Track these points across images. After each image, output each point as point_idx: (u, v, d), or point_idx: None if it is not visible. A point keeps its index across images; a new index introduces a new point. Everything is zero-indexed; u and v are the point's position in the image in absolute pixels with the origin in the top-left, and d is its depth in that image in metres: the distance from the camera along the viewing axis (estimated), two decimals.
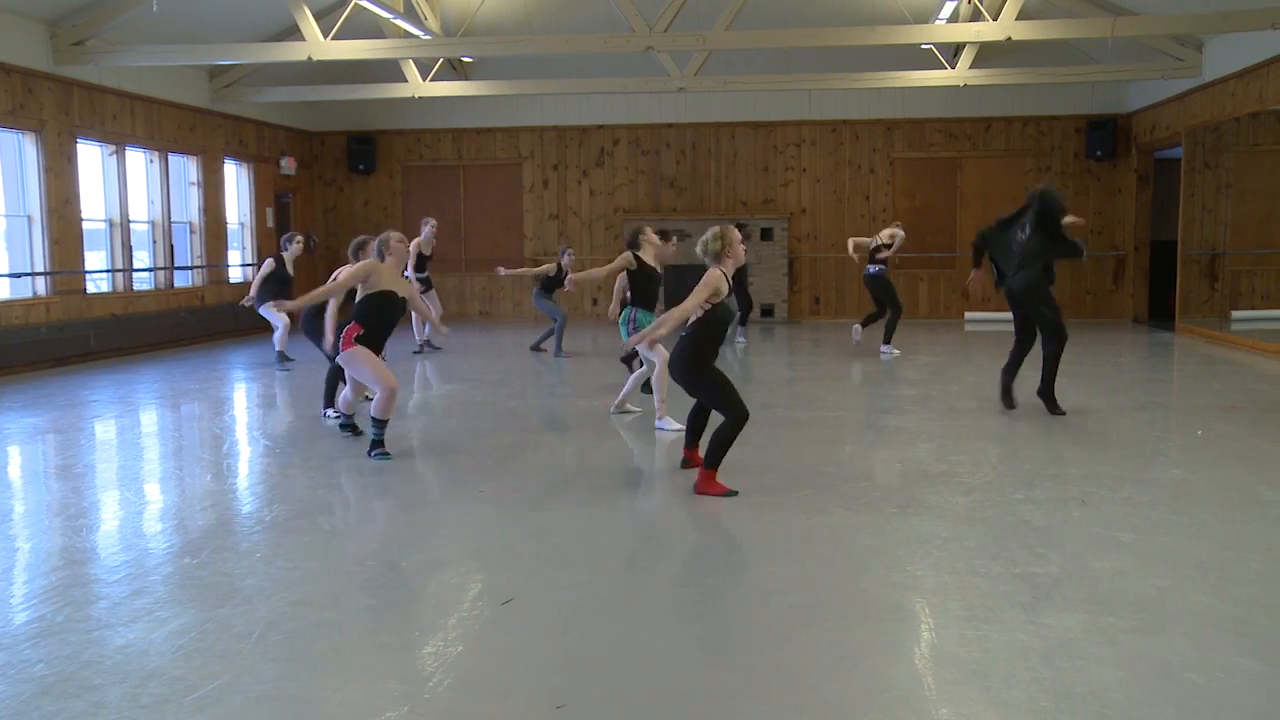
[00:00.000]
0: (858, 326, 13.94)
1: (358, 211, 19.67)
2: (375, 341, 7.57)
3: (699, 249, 6.37)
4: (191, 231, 16.14)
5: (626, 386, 9.18)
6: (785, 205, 18.80)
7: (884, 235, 13.32)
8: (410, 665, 3.92)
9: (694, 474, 6.57)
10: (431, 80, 16.83)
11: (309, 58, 13.23)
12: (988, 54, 16.17)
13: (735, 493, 6.25)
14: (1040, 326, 8.86)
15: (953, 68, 15.74)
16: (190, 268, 16.03)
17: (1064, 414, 8.83)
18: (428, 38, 14.32)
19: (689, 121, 18.89)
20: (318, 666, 3.89)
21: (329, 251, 19.14)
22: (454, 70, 18.05)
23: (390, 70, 17.07)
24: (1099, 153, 17.92)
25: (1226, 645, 3.95)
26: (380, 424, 7.47)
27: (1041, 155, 18.35)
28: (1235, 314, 15.35)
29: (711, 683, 3.72)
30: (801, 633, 4.17)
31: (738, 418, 6.22)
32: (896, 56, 16.52)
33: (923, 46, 15.88)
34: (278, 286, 12.35)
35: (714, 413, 6.53)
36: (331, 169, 19.80)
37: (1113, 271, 18.34)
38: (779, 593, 4.69)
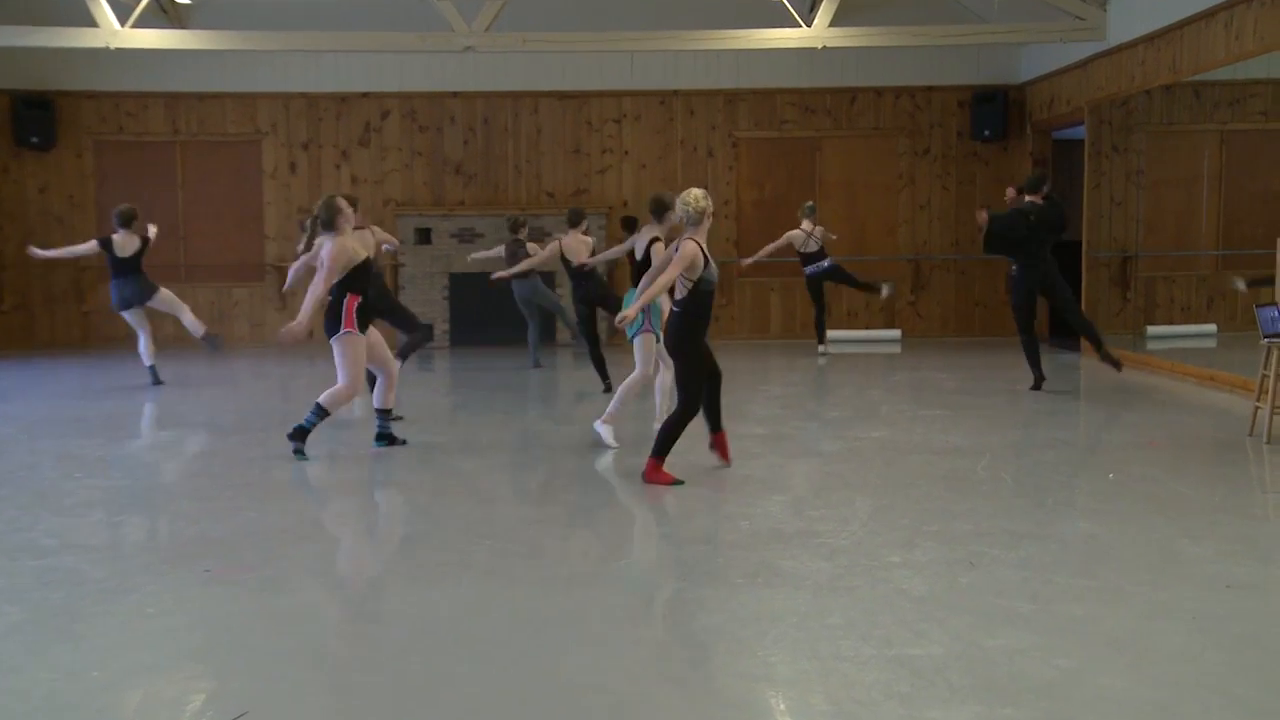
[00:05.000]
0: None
1: (31, 200, 18.75)
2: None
3: (680, 209, 8.15)
4: None
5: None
6: (603, 197, 18.93)
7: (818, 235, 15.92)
8: None
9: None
10: (133, 26, 16.26)
11: None
12: (851, 9, 16.60)
13: (682, 482, 8.06)
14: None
15: (809, 25, 16.11)
16: None
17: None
18: None
19: (479, 90, 18.85)
20: None
21: None
22: (165, 14, 17.54)
23: (75, 10, 16.43)
24: (987, 132, 18.59)
25: None
26: (324, 415, 9.15)
27: (918, 135, 19.00)
28: (1151, 329, 15.96)
29: None
30: None
31: (689, 409, 7.99)
32: (739, 11, 16.80)
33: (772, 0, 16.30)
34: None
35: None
36: None
37: (1005, 279, 19.03)
38: (595, 689, 4.67)
